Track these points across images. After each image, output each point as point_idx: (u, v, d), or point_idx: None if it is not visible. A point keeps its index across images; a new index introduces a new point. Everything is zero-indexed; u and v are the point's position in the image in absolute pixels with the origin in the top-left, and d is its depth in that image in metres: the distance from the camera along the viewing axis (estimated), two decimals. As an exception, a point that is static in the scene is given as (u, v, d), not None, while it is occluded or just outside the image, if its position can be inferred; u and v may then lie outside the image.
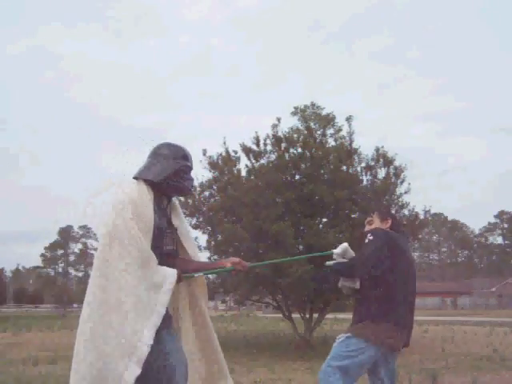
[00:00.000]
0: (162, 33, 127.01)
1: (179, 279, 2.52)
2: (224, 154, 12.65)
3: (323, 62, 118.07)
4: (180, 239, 2.75)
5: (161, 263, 2.51)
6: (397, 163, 12.39)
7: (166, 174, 2.61)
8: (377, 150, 12.42)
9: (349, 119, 12.41)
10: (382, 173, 12.44)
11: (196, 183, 13.18)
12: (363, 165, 12.50)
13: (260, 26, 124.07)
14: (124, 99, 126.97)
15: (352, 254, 3.35)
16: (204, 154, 12.70)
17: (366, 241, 3.25)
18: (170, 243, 2.64)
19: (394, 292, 3.23)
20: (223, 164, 12.55)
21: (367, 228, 3.48)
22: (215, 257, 13.05)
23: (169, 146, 2.73)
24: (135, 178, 2.65)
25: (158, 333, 2.43)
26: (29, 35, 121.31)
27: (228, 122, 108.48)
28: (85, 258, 75.93)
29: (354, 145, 12.40)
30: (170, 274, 2.48)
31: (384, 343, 3.20)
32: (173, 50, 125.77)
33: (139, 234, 2.41)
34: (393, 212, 3.53)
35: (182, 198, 13.13)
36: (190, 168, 2.74)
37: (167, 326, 2.56)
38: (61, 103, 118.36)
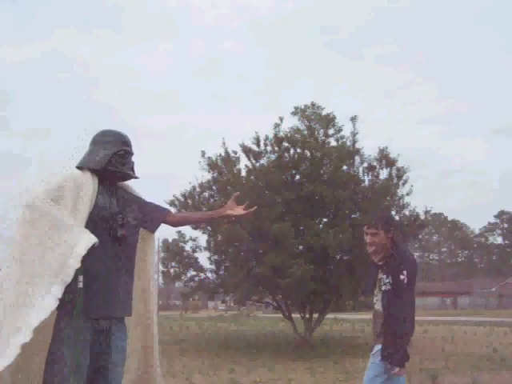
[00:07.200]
0: (174, 37, 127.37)
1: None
2: (223, 154, 12.63)
3: (332, 66, 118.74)
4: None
5: (112, 249, 2.56)
6: (399, 164, 12.38)
7: (106, 161, 2.65)
8: (381, 151, 12.37)
9: (353, 119, 12.35)
10: (384, 174, 12.44)
11: (196, 184, 13.18)
12: (365, 165, 12.48)
13: (271, 31, 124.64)
14: (134, 102, 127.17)
15: None
16: (203, 156, 12.68)
17: (403, 278, 3.22)
18: (120, 229, 2.63)
19: (413, 307, 3.41)
20: (223, 164, 12.53)
21: (370, 239, 3.45)
22: (215, 257, 13.04)
23: (107, 132, 2.77)
24: (79, 167, 2.69)
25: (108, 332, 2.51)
26: (44, 37, 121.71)
27: (235, 123, 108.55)
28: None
29: (358, 145, 12.38)
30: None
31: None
32: (185, 54, 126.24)
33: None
34: (394, 218, 3.48)
35: (182, 199, 13.14)
36: (130, 153, 2.78)
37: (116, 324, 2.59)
38: (73, 105, 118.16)
